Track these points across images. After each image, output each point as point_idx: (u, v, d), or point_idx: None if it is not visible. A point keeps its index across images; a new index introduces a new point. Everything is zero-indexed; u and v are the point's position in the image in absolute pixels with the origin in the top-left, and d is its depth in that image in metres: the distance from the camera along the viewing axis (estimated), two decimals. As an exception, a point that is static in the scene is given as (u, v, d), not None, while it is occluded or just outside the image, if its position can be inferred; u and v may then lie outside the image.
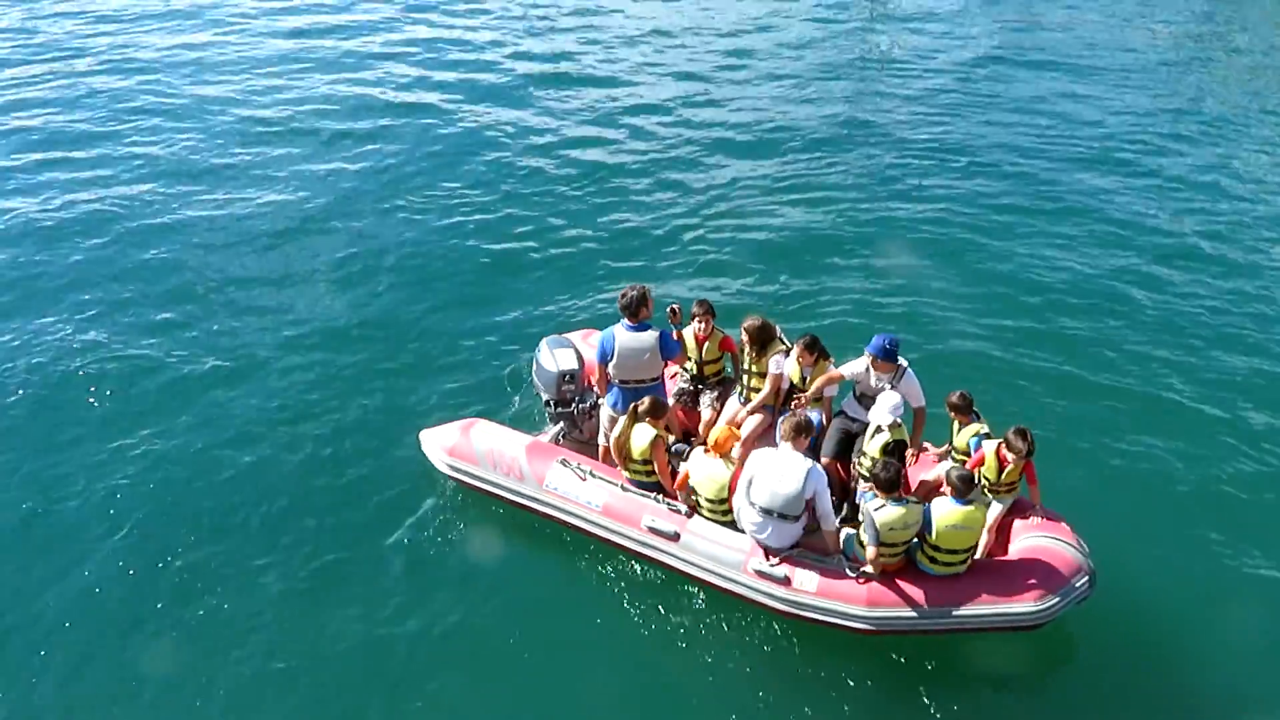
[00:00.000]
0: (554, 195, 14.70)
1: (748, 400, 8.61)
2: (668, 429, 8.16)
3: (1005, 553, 7.48)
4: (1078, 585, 7.06)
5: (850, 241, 13.41)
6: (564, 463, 8.12)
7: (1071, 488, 8.61)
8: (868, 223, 13.98)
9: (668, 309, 8.31)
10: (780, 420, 7.55)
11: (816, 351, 8.31)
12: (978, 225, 13.91)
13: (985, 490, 7.58)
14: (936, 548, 6.97)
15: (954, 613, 7.00)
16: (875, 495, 6.97)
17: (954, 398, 7.83)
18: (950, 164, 16.09)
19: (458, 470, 8.47)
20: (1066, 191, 15.12)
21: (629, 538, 7.83)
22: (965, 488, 6.95)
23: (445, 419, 9.00)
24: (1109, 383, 10.50)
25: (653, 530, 7.66)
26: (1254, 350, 11.12)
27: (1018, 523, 7.59)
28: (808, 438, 7.30)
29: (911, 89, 19.99)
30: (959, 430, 7.85)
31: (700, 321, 8.65)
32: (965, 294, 12.12)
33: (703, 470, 7.46)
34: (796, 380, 8.40)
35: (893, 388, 8.04)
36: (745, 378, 8.58)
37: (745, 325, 8.44)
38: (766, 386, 8.46)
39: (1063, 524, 7.45)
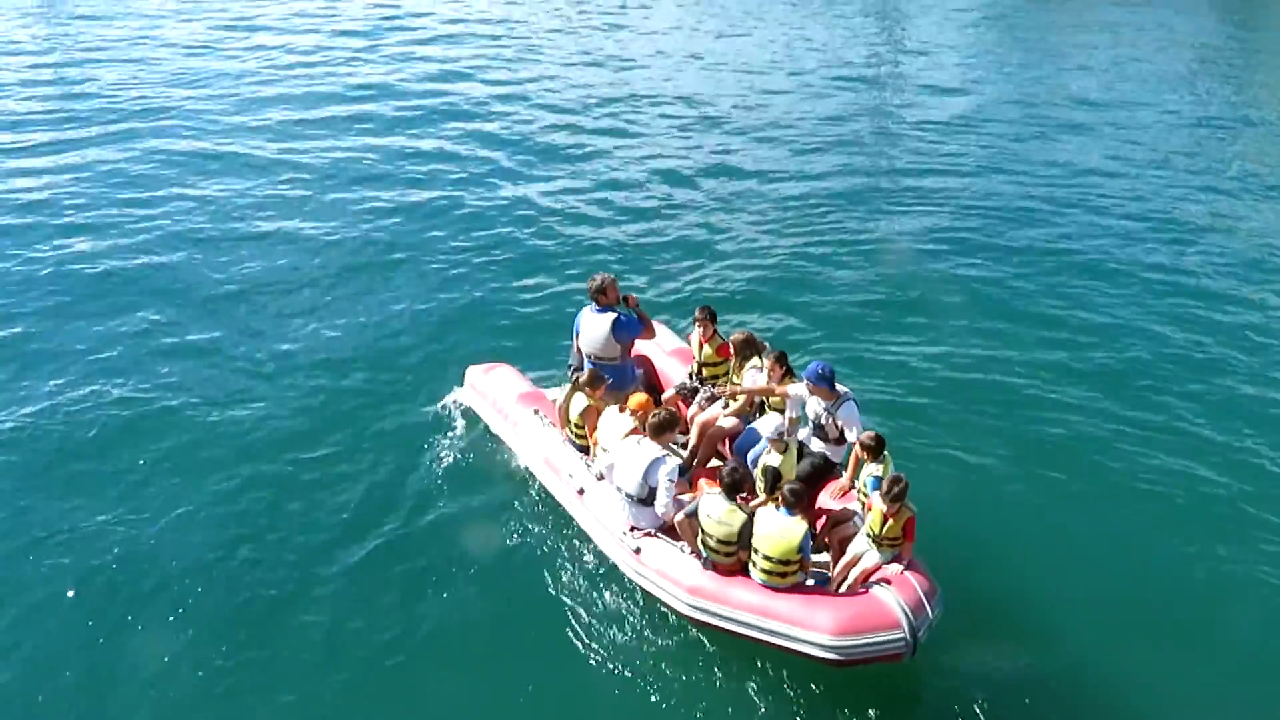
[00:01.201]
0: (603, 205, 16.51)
1: (727, 405, 9.17)
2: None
3: None
4: (882, 641, 6.82)
5: (856, 271, 14.24)
6: (536, 412, 9.29)
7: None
8: (877, 252, 14.89)
9: (622, 297, 9.13)
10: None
11: (784, 367, 8.67)
12: (986, 261, 14.70)
13: (869, 539, 7.49)
14: (756, 550, 7.16)
15: (760, 623, 7.11)
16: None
17: (866, 438, 7.77)
18: (958, 195, 17.30)
19: (474, 402, 10.00)
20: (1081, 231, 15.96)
21: (556, 486, 8.81)
22: (793, 500, 7.07)
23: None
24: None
25: (570, 481, 8.58)
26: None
27: (882, 569, 7.39)
28: (671, 433, 7.93)
29: (925, 124, 21.69)
30: (863, 468, 7.78)
31: (699, 326, 9.39)
32: (971, 329, 12.69)
33: (608, 423, 8.29)
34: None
35: (830, 415, 8.20)
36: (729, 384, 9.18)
37: (732, 338, 9.10)
38: (741, 396, 8.97)
39: (914, 584, 7.13)
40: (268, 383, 10.99)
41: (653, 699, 7.26)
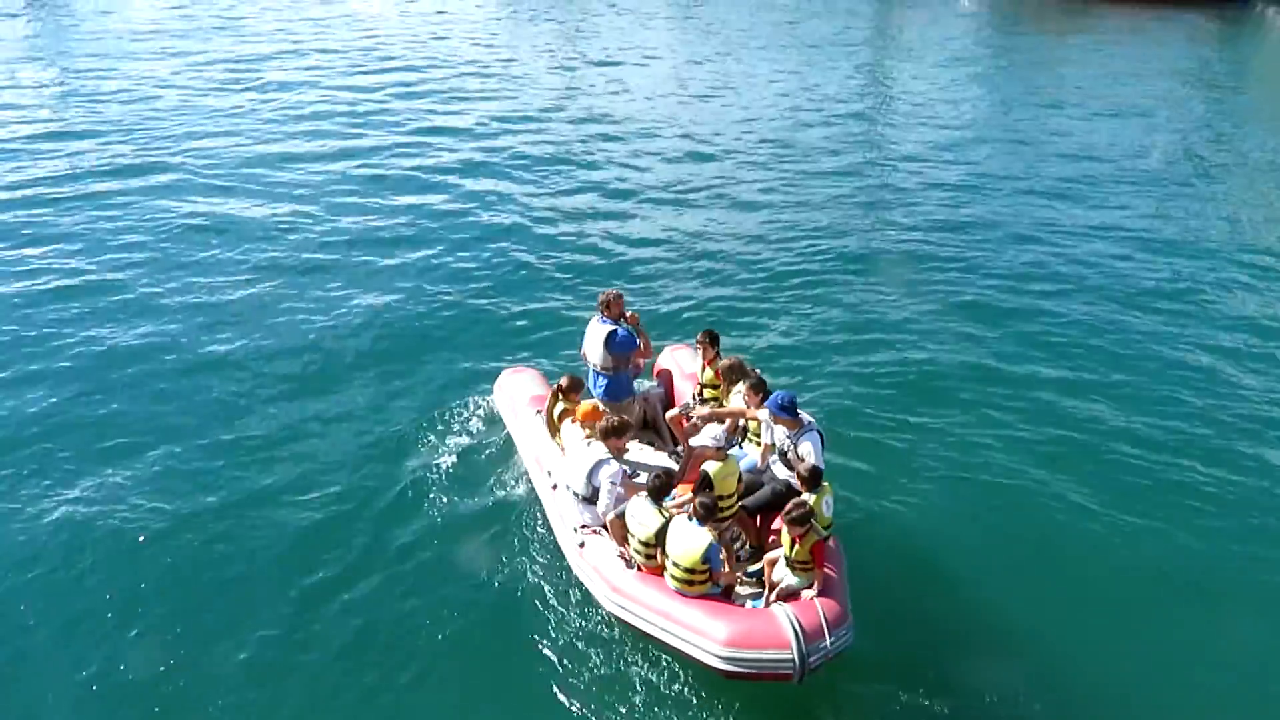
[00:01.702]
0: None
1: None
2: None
3: None
4: (769, 660, 6.92)
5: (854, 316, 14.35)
6: (538, 413, 9.85)
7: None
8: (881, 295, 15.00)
9: (625, 314, 9.71)
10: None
11: (761, 393, 8.86)
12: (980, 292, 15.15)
13: (786, 563, 7.56)
14: (668, 556, 7.41)
15: (665, 625, 7.33)
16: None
17: (802, 469, 7.88)
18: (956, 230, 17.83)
19: (498, 401, 10.69)
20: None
21: (539, 482, 9.33)
22: (704, 513, 7.28)
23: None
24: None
25: (548, 478, 9.09)
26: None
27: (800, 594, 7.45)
28: (618, 439, 8.22)
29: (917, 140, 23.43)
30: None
31: (700, 349, 9.78)
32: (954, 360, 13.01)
33: (568, 434, 8.74)
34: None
35: (793, 444, 8.32)
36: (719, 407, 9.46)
37: (721, 363, 9.43)
38: (728, 419, 9.23)
39: (818, 609, 7.13)
40: (297, 397, 11.50)
41: (596, 695, 7.53)
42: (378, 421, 11.01)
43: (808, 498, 7.65)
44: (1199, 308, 14.64)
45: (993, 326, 13.79)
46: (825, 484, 7.78)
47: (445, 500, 9.74)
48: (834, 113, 26.53)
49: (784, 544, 7.43)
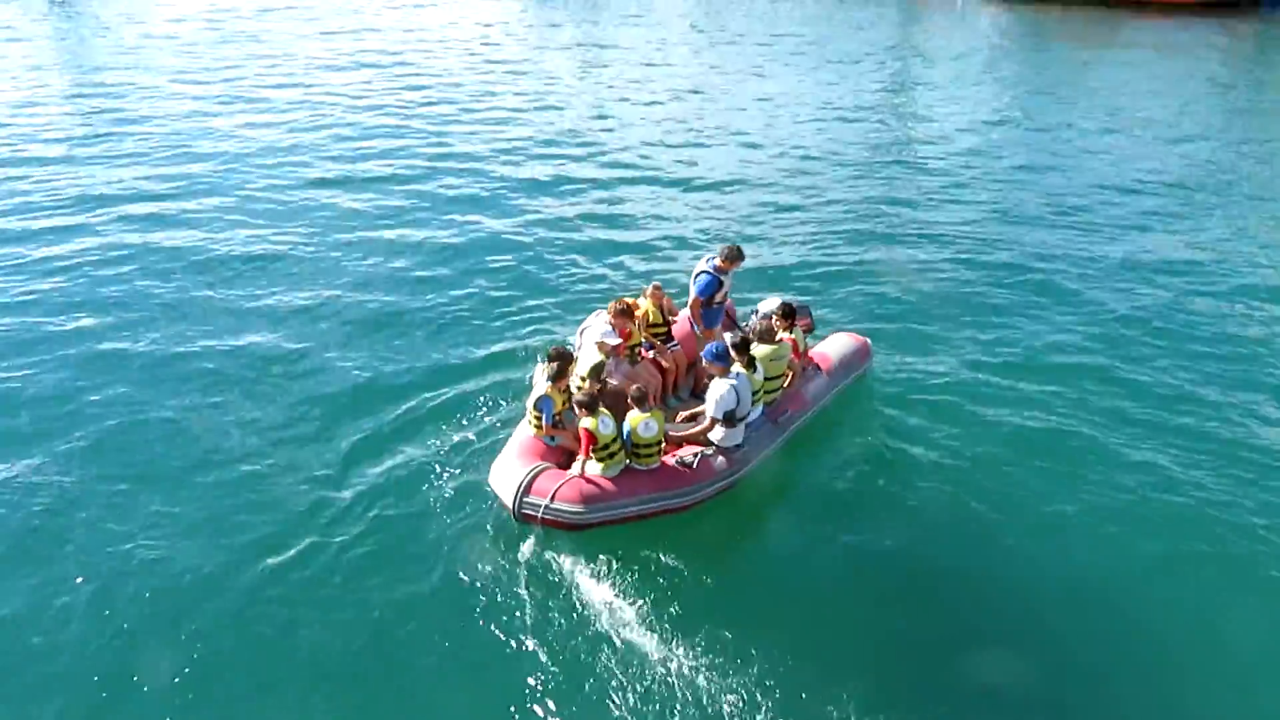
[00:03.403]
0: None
1: None
2: None
3: None
4: (499, 489, 8.58)
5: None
6: None
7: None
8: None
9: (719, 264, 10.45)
10: None
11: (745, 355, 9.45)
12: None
13: None
14: None
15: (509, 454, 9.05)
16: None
17: (632, 389, 8.61)
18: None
19: None
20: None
21: None
22: (546, 375, 8.78)
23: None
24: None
25: None
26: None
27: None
28: (621, 320, 9.63)
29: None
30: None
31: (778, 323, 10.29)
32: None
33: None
34: None
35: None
36: None
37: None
38: None
39: (558, 477, 8.43)
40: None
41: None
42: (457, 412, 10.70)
43: (635, 415, 8.49)
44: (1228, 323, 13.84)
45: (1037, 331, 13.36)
46: (655, 410, 8.55)
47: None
48: (857, 123, 25.53)
49: None
